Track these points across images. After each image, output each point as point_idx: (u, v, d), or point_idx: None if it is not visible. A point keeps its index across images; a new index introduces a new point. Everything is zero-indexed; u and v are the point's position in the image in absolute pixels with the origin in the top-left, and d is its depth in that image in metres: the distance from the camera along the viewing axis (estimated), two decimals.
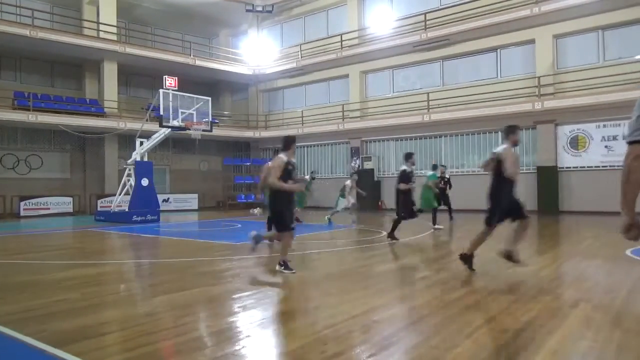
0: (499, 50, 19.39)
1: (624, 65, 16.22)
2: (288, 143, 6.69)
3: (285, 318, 4.46)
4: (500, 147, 6.13)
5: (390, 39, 21.48)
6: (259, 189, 9.19)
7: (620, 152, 16.04)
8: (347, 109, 23.30)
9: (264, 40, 27.38)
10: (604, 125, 16.62)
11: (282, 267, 6.47)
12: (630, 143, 2.04)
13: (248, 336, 3.84)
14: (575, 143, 17.30)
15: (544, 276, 6.16)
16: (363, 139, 22.76)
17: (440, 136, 20.61)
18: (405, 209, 9.88)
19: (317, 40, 24.69)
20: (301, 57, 24.74)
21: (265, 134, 26.41)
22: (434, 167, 13.93)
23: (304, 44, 25.07)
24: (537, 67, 18.17)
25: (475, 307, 4.58)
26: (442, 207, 13.80)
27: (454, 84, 20.39)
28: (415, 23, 20.92)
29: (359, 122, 22.54)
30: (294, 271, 6.39)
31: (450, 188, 14.66)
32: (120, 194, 17.10)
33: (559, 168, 17.49)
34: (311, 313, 4.58)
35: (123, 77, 24.05)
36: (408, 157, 10.06)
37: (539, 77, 17.81)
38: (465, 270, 6.30)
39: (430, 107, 20.34)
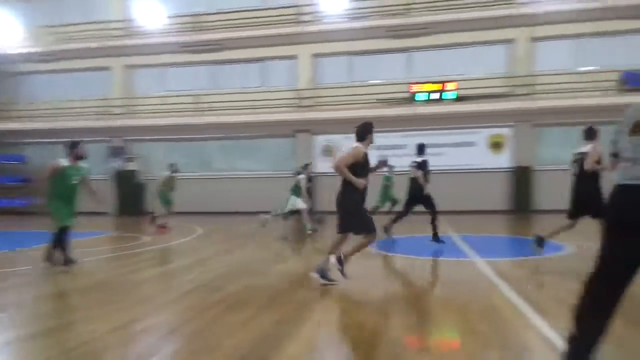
0: (265, 62, 20.59)
1: (368, 87, 19.10)
2: (365, 131, 5.56)
3: (30, 340, 3.80)
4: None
5: (159, 36, 20.62)
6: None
7: None
8: (109, 105, 21.36)
9: (2, 14, 22.97)
10: (349, 138, 19.26)
11: (321, 276, 5.44)
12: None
13: None
14: (327, 151, 19.58)
15: (301, 269, 6.75)
16: (127, 138, 21.21)
17: (210, 139, 20.72)
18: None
19: (74, 25, 21.91)
20: (52, 41, 21.62)
21: (3, 126, 22.18)
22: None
23: (59, 26, 21.98)
24: (299, 80, 19.98)
25: (236, 306, 4.72)
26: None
27: (224, 88, 20.74)
28: (186, 23, 20.60)
29: (123, 120, 20.92)
30: (335, 282, 5.42)
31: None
32: None
33: (315, 173, 19.52)
34: (62, 331, 4.01)
35: None
36: (424, 148, 9.40)
37: (299, 90, 19.60)
38: (228, 270, 6.43)
39: (200, 109, 20.26)
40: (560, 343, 3.36)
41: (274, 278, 6.24)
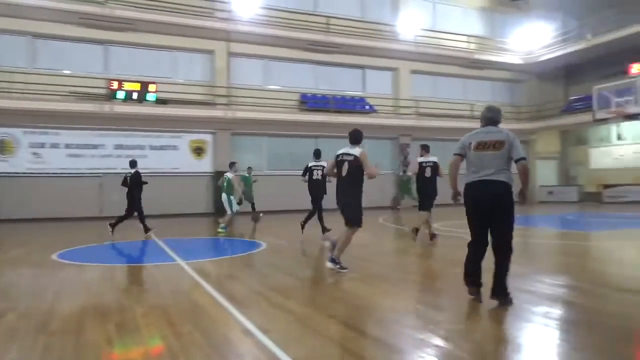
0: None
1: (57, 77, 16.74)
2: (360, 137, 6.46)
3: None
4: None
5: None
6: None
7: (47, 159, 16.41)
8: None
9: None
10: (32, 132, 16.51)
11: (338, 266, 6.20)
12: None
13: None
14: (2, 147, 16.28)
15: None
16: None
17: None
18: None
19: None
20: None
21: None
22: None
23: None
24: None
25: None
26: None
27: None
28: None
29: None
30: (347, 269, 6.21)
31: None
32: None
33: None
34: None
35: None
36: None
37: None
38: None
39: None
40: (258, 333, 3.71)
41: None
